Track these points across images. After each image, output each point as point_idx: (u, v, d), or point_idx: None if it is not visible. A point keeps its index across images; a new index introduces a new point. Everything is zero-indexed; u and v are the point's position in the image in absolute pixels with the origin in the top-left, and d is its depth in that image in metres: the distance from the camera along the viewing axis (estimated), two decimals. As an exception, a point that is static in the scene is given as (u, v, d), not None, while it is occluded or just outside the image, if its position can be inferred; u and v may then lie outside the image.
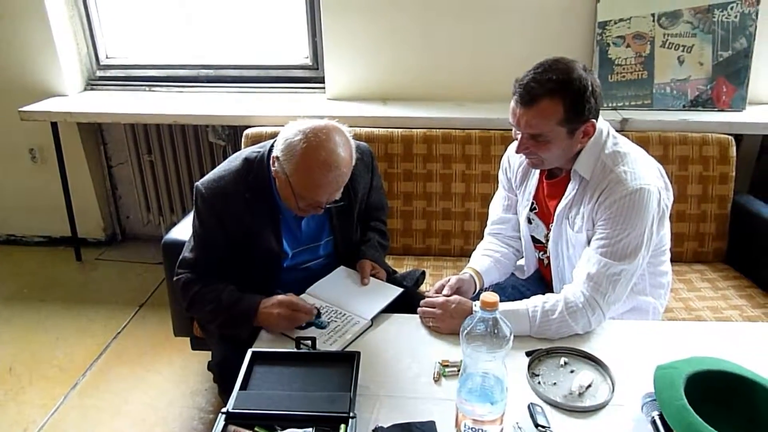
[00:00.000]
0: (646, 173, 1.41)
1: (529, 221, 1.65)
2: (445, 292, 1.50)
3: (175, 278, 1.51)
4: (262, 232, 1.48)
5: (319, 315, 1.41)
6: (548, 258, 1.62)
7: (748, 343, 1.33)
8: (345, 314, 1.43)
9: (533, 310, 1.36)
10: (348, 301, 1.48)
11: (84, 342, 2.46)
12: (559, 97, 1.35)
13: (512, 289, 1.74)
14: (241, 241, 1.47)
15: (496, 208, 1.79)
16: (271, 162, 1.42)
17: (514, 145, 1.62)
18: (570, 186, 1.50)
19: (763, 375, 1.09)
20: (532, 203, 1.63)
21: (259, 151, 1.50)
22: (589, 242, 1.45)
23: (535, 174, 1.61)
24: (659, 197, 1.41)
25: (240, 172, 1.47)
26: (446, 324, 1.37)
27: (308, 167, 1.33)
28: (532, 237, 1.68)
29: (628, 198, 1.37)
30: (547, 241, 1.60)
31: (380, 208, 1.78)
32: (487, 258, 1.70)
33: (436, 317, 1.39)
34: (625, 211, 1.37)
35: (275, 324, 1.37)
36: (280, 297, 1.39)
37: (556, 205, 1.53)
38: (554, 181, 1.56)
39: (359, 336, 1.37)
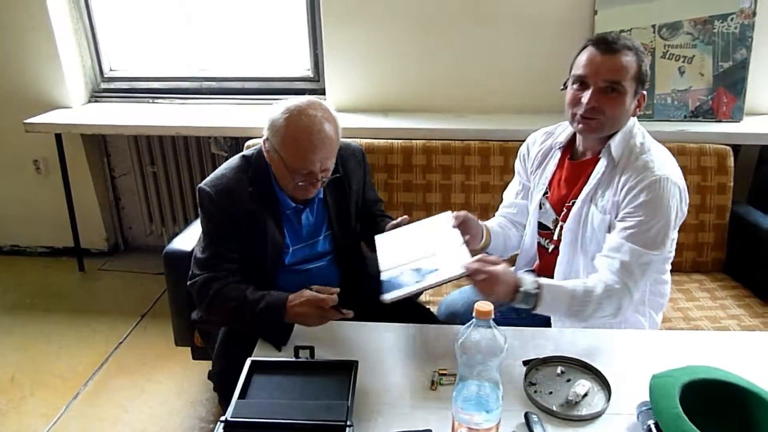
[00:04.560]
0: (673, 170, 1.46)
1: (540, 206, 1.67)
2: (454, 214, 1.52)
3: (189, 282, 1.51)
4: (266, 224, 1.51)
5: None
6: (555, 243, 1.63)
7: (746, 353, 1.33)
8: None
9: (573, 287, 1.38)
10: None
11: (86, 352, 2.47)
12: (634, 54, 1.44)
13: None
14: (247, 235, 1.50)
15: (509, 195, 1.82)
16: (264, 149, 1.48)
17: (533, 136, 1.73)
18: (599, 165, 1.51)
19: (760, 384, 1.09)
20: (546, 189, 1.65)
21: (255, 148, 1.56)
22: (609, 229, 1.48)
23: (555, 158, 1.64)
24: (680, 196, 1.45)
25: (240, 168, 1.54)
26: (495, 288, 1.31)
27: (293, 135, 1.40)
28: (540, 223, 1.68)
29: (657, 185, 1.40)
30: (556, 226, 1.62)
31: (378, 201, 1.82)
32: (496, 225, 1.74)
33: (489, 277, 1.32)
34: (654, 198, 1.40)
35: (309, 315, 1.36)
36: (308, 293, 1.38)
37: (581, 187, 1.55)
38: (579, 162, 1.58)
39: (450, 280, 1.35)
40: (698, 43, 2.42)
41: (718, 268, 2.20)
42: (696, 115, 2.47)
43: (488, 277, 1.31)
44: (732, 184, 2.17)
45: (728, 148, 2.19)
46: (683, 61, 2.44)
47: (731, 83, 2.43)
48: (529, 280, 1.35)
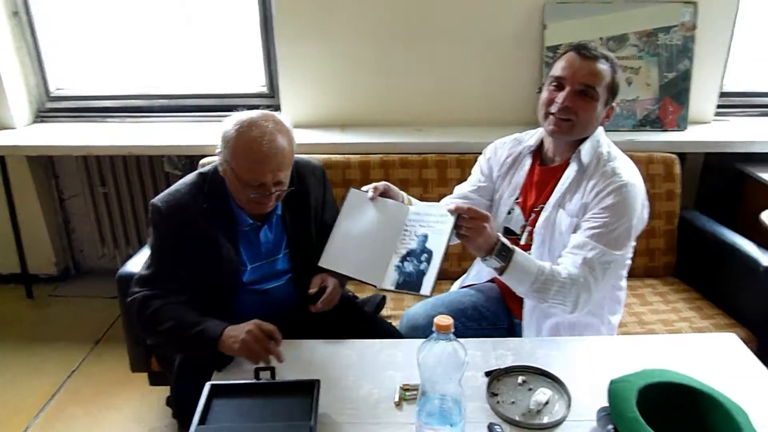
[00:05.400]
0: (637, 178, 1.53)
1: (509, 212, 1.69)
2: (371, 186, 1.50)
3: (129, 299, 1.47)
4: (221, 243, 1.48)
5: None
6: (522, 248, 1.64)
7: (697, 354, 1.38)
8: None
9: (542, 263, 1.43)
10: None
11: (37, 382, 2.36)
12: (610, 65, 1.53)
13: (473, 310, 1.75)
14: (199, 254, 1.46)
15: (461, 189, 1.82)
16: (218, 162, 1.46)
17: (503, 140, 1.75)
18: (568, 170, 1.57)
19: (710, 383, 1.13)
20: (518, 194, 1.68)
21: (213, 165, 1.53)
22: (575, 230, 1.52)
23: (526, 164, 1.68)
24: (642, 203, 1.53)
25: (195, 184, 1.51)
26: (481, 233, 1.36)
27: (244, 146, 1.38)
28: (506, 228, 1.70)
29: (624, 189, 1.47)
30: (523, 231, 1.65)
31: None
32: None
33: (475, 227, 1.36)
34: (621, 201, 1.47)
35: (242, 342, 1.30)
36: (256, 321, 1.35)
37: (550, 191, 1.59)
38: (549, 168, 1.63)
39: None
40: (644, 54, 2.51)
41: (670, 272, 2.28)
42: (644, 124, 2.55)
43: (478, 220, 1.36)
44: (679, 190, 2.25)
45: (675, 156, 2.27)
46: (630, 72, 2.53)
47: (676, 93, 2.53)
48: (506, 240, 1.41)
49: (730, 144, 2.48)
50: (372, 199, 1.48)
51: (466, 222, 1.37)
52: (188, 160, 2.74)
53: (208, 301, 1.46)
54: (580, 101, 1.50)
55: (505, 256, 1.39)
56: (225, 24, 2.78)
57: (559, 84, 1.53)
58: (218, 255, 1.48)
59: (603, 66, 1.51)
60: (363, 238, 1.44)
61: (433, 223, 1.39)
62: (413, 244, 1.39)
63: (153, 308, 1.42)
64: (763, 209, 2.09)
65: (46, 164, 2.99)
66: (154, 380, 2.00)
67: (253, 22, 2.69)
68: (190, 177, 1.54)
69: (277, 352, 1.30)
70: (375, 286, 1.37)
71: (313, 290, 1.49)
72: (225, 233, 1.49)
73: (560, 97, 1.51)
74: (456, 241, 1.46)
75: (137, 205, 2.95)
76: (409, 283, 1.33)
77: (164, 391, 2.04)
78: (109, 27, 2.82)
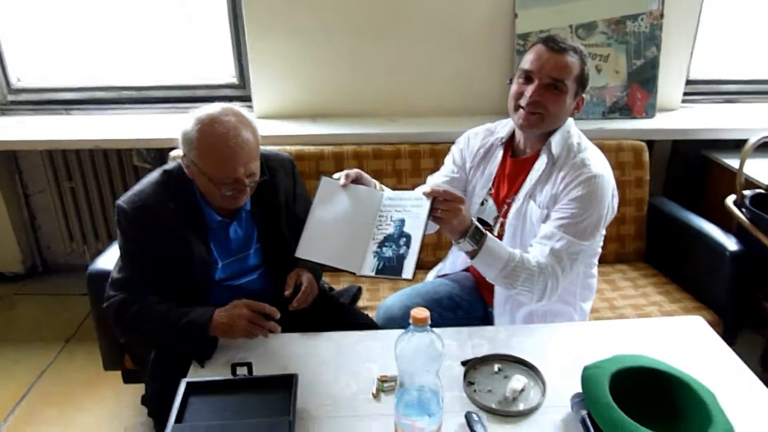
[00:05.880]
0: (606, 170, 1.54)
1: (482, 203, 1.70)
2: (343, 173, 1.48)
3: (105, 304, 1.44)
4: (190, 241, 1.45)
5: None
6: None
7: (666, 337, 1.42)
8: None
9: (513, 250, 1.44)
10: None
11: (5, 385, 2.31)
12: (579, 58, 1.53)
13: (448, 300, 1.76)
14: (169, 254, 1.44)
15: (433, 179, 1.81)
16: (183, 165, 1.42)
17: (475, 130, 1.75)
18: (539, 162, 1.58)
19: (679, 366, 1.16)
20: (490, 186, 1.69)
21: (178, 161, 1.49)
22: (545, 221, 1.53)
23: (498, 155, 1.68)
24: (612, 194, 1.54)
25: (160, 182, 1.47)
26: (456, 216, 1.36)
27: (210, 146, 1.35)
28: (479, 219, 1.71)
29: (593, 181, 1.48)
30: (496, 222, 1.66)
31: None
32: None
33: (451, 209, 1.36)
34: (589, 193, 1.47)
35: (238, 328, 1.34)
36: (244, 301, 1.38)
37: (521, 183, 1.60)
38: (520, 159, 1.64)
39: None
40: (612, 42, 2.54)
41: (639, 257, 2.33)
42: (613, 110, 2.59)
43: (453, 202, 1.36)
44: (648, 177, 2.30)
45: (644, 144, 2.31)
46: (600, 60, 2.56)
47: (644, 80, 2.57)
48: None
49: (697, 131, 2.53)
50: (344, 186, 1.46)
51: (442, 204, 1.36)
52: (158, 152, 2.69)
53: (182, 300, 1.44)
54: (548, 95, 1.50)
55: (478, 240, 1.40)
56: (193, 13, 2.72)
57: (528, 77, 1.53)
58: (189, 253, 1.45)
59: (572, 58, 1.51)
60: (338, 225, 1.43)
61: (409, 207, 1.39)
62: (390, 229, 1.39)
63: (132, 311, 1.40)
64: (728, 194, 2.15)
65: (9, 159, 2.90)
66: (128, 378, 1.98)
67: (222, 11, 2.64)
68: (154, 175, 1.49)
69: (272, 326, 1.35)
70: (354, 273, 1.37)
71: (288, 291, 1.48)
72: (194, 231, 1.46)
73: (529, 90, 1.51)
74: (433, 228, 1.47)
75: (106, 199, 2.88)
76: (390, 268, 1.34)
77: (139, 389, 2.00)
78: (72, 16, 2.73)
